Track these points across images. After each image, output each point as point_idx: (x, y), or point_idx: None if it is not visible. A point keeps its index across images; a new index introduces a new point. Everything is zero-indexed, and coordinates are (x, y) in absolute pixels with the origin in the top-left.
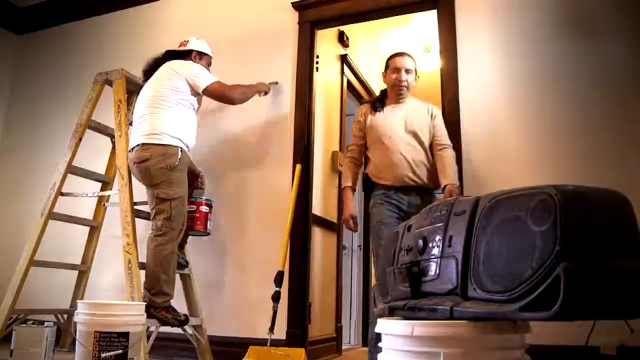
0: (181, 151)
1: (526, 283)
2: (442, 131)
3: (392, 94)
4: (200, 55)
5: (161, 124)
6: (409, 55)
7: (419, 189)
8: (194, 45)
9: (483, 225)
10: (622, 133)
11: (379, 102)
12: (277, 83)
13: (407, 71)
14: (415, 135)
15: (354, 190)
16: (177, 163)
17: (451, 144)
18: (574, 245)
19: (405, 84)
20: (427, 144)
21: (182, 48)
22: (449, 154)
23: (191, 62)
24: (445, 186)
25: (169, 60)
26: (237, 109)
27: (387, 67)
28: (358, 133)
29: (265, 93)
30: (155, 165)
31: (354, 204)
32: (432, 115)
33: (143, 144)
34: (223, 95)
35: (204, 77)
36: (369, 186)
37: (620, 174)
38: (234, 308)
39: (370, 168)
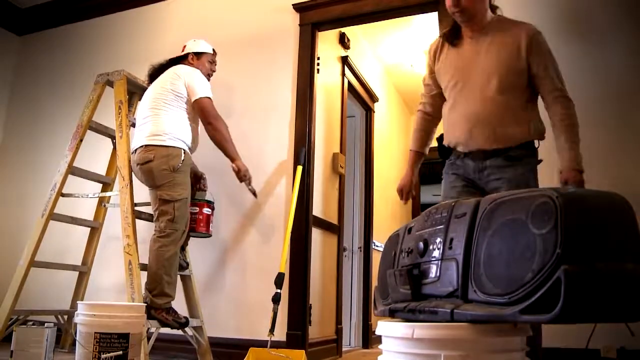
0: (184, 153)
1: (527, 286)
2: (546, 68)
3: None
4: (198, 55)
5: (164, 125)
6: None
7: (499, 152)
8: (189, 47)
9: (484, 228)
10: (622, 133)
11: (454, 31)
12: (255, 195)
13: None
14: (493, 79)
15: (420, 155)
16: (180, 165)
17: (565, 90)
18: (575, 248)
19: (457, 12)
20: (515, 89)
21: (180, 54)
22: (562, 112)
23: (195, 70)
24: (561, 171)
25: (171, 66)
26: (237, 109)
27: None
28: (429, 78)
29: (245, 177)
30: (159, 166)
31: (413, 173)
32: (527, 44)
33: (146, 145)
34: (209, 114)
35: (201, 89)
36: (444, 151)
37: (620, 174)
38: (234, 309)
39: (443, 127)
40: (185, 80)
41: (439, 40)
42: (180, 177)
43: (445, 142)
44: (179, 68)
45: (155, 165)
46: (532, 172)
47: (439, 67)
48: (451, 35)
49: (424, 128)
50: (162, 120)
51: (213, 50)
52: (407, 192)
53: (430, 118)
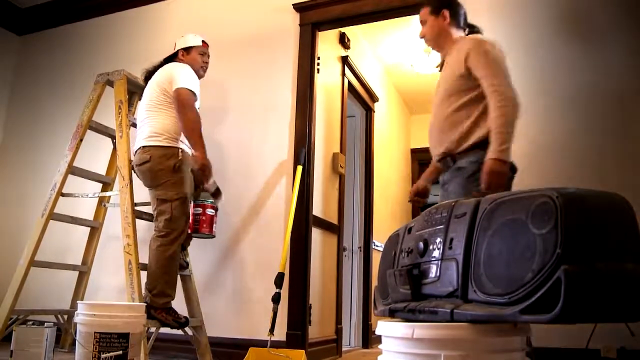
0: (182, 152)
1: (527, 286)
2: (482, 69)
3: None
4: (187, 50)
5: (161, 126)
6: (424, 4)
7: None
8: (178, 44)
9: (484, 228)
10: (623, 134)
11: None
12: (217, 196)
13: (422, 23)
14: (445, 97)
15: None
16: (177, 164)
17: (499, 84)
18: (575, 248)
19: (425, 40)
20: (461, 98)
21: (172, 52)
22: (493, 104)
23: (182, 65)
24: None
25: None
26: (237, 109)
27: None
28: None
29: (202, 172)
30: (155, 166)
31: (429, 175)
32: (466, 52)
33: (143, 146)
34: (181, 104)
35: (181, 79)
36: None
37: (620, 175)
38: (234, 309)
39: None
40: (171, 76)
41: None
42: (178, 176)
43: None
44: (167, 67)
45: (152, 166)
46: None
47: None
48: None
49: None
50: (158, 121)
51: (202, 41)
52: (415, 193)
53: None
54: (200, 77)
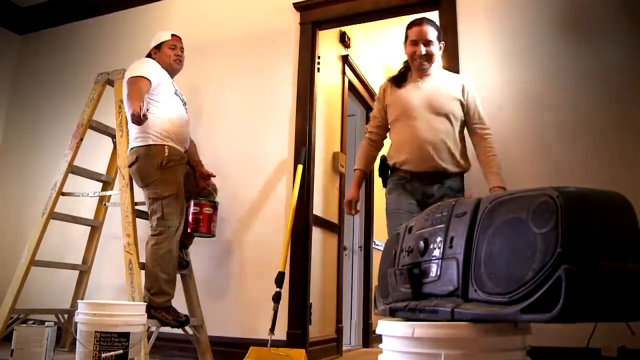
0: (168, 148)
1: (527, 285)
2: (478, 110)
3: (413, 69)
4: (158, 48)
5: (145, 125)
6: (429, 23)
7: (440, 175)
8: (150, 45)
9: (484, 227)
10: (623, 134)
11: (400, 77)
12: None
13: (428, 43)
14: (441, 115)
15: (365, 173)
16: (164, 161)
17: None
18: (575, 247)
19: (424, 58)
20: (456, 124)
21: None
22: (493, 144)
23: (141, 60)
24: (491, 187)
25: None
26: (238, 108)
27: (406, 37)
28: (377, 112)
29: (136, 122)
30: (142, 166)
31: (359, 189)
32: (463, 90)
33: (131, 148)
34: (127, 89)
35: (132, 69)
36: (386, 171)
37: (621, 175)
38: (234, 308)
39: (390, 151)
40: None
41: (387, 83)
42: (167, 173)
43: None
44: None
45: (140, 166)
46: None
47: (389, 103)
48: (398, 80)
49: (369, 153)
50: None
51: (172, 35)
52: (355, 204)
53: (372, 147)
54: (175, 69)
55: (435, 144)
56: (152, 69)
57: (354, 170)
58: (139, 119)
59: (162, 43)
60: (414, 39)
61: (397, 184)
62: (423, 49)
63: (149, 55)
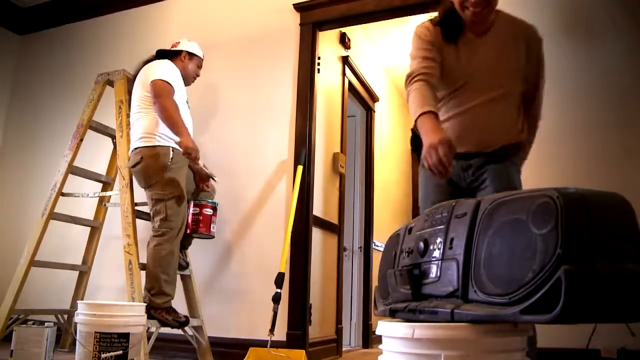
0: (173, 150)
1: (527, 286)
2: (542, 74)
3: (467, 22)
4: (190, 56)
5: (150, 125)
6: None
7: (489, 155)
8: (184, 46)
9: (484, 228)
10: (623, 134)
11: (452, 29)
12: (212, 178)
13: None
14: (500, 84)
15: (437, 115)
16: (169, 163)
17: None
18: (575, 248)
19: (481, 6)
20: (515, 93)
21: (173, 48)
22: (536, 122)
23: (161, 60)
24: None
25: (157, 59)
26: (238, 109)
27: None
28: (426, 45)
29: (189, 156)
30: (147, 167)
31: (440, 130)
32: (527, 45)
33: (135, 148)
34: (156, 94)
35: (157, 72)
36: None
37: (621, 175)
38: (234, 309)
39: None
40: (148, 72)
41: (434, 29)
42: (170, 175)
43: None
44: (149, 65)
45: (144, 166)
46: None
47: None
48: (451, 31)
49: (432, 94)
50: (147, 121)
51: (202, 55)
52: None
53: (433, 88)
54: (189, 84)
55: (492, 125)
56: (178, 79)
57: (421, 115)
58: (195, 155)
59: (195, 55)
60: None
61: None
62: None
63: (178, 54)
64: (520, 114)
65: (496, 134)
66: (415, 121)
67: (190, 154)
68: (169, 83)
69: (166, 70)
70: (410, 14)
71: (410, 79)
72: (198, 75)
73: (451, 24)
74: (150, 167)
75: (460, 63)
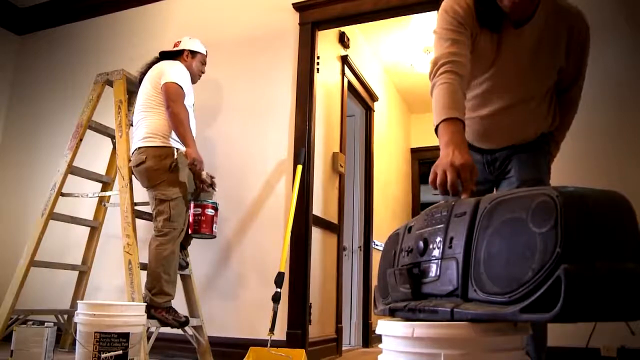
0: (178, 151)
1: (527, 285)
2: (584, 67)
3: (504, 9)
4: (193, 53)
5: (155, 126)
6: None
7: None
8: (185, 44)
9: (484, 227)
10: (623, 133)
11: (489, 14)
12: (212, 187)
13: None
14: (531, 86)
15: (463, 124)
16: (173, 163)
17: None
18: (575, 247)
19: None
20: (548, 90)
21: (174, 49)
22: (570, 121)
23: (173, 61)
24: None
25: (161, 61)
26: (237, 108)
27: None
28: (458, 27)
29: (194, 167)
30: (152, 167)
31: (466, 149)
32: (569, 37)
33: (139, 147)
34: (169, 98)
35: (171, 74)
36: None
37: (621, 174)
38: (234, 309)
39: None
40: (161, 72)
41: (468, 7)
42: (174, 176)
43: None
44: (159, 64)
45: (149, 166)
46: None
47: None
48: (488, 16)
49: (462, 94)
50: (153, 121)
51: (205, 51)
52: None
53: (462, 83)
54: (195, 82)
55: (524, 124)
56: (187, 80)
57: (445, 120)
58: (200, 166)
59: (198, 53)
60: None
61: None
62: None
63: (180, 53)
64: (552, 105)
65: (524, 134)
66: (436, 124)
67: (195, 165)
68: (181, 87)
69: (179, 73)
70: (409, 13)
71: (437, 67)
72: (203, 72)
73: (489, 7)
74: (155, 167)
75: (490, 55)
